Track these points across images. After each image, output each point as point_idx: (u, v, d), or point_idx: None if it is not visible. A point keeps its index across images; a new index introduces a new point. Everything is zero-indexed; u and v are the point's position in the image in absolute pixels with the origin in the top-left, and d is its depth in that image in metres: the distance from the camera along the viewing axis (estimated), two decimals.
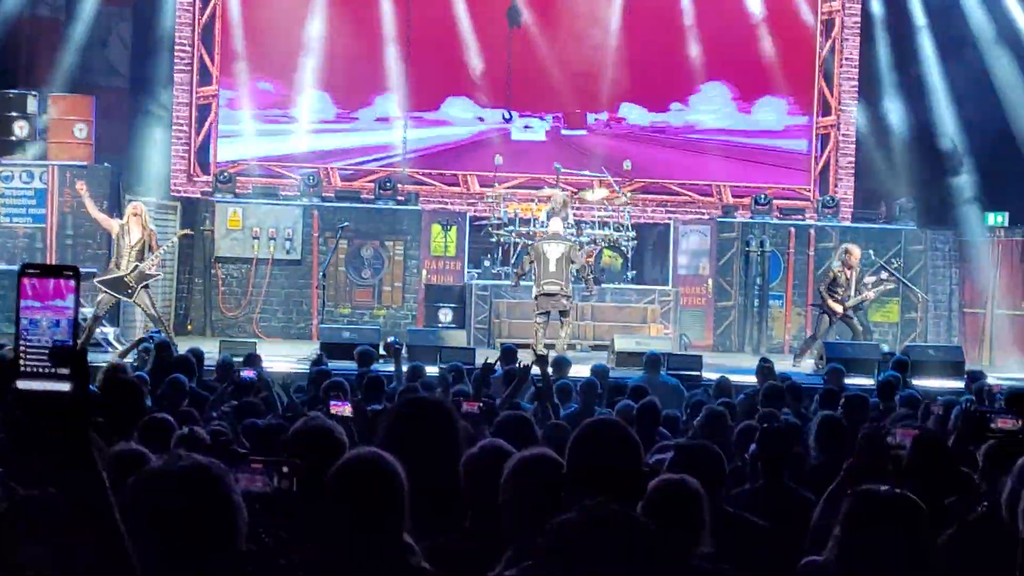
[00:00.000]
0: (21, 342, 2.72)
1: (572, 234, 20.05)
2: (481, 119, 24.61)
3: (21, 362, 2.70)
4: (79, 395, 2.69)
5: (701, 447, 6.25)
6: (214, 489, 3.14)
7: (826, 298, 19.51)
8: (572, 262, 18.61)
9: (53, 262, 18.43)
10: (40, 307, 2.74)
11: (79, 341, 2.73)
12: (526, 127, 24.63)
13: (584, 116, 24.77)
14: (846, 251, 19.83)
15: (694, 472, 5.18)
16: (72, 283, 2.78)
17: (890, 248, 22.36)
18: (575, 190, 23.01)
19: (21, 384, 2.69)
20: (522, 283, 19.51)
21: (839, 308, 19.40)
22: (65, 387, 2.69)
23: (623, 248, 21.96)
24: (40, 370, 2.71)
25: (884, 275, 20.66)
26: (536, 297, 18.53)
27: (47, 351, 2.72)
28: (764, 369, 13.67)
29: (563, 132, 24.65)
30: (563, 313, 18.53)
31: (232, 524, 3.14)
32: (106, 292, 17.60)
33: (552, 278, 18.20)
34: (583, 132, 24.74)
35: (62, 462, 2.74)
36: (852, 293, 19.45)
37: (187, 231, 19.57)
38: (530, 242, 19.81)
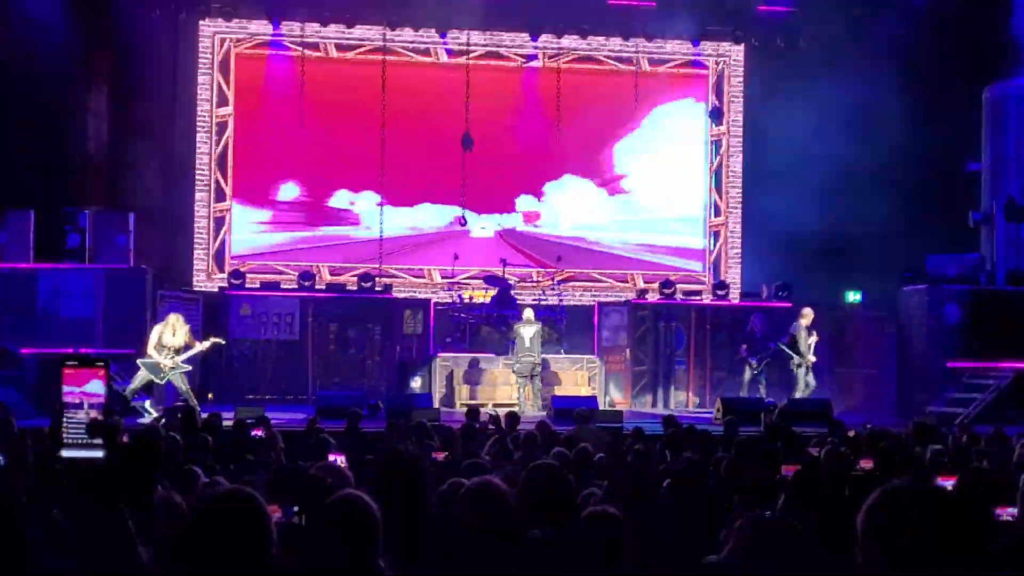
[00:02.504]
0: (64, 419, 2.78)
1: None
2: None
3: (64, 435, 2.76)
4: (110, 460, 2.73)
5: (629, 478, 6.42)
6: (255, 506, 3.17)
7: (806, 355, 19.85)
8: (542, 339, 20.34)
9: (101, 345, 18.50)
10: (78, 391, 2.80)
11: (116, 412, 2.80)
12: (481, 227, 24.93)
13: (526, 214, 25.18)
14: (802, 312, 20.24)
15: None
16: (103, 371, 2.83)
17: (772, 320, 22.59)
18: (519, 279, 23.31)
19: (65, 453, 2.75)
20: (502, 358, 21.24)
21: (812, 358, 19.93)
22: (99, 454, 2.74)
23: (558, 326, 22.15)
24: (79, 441, 2.76)
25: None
26: (516, 366, 20.10)
27: (85, 426, 2.77)
28: (668, 420, 13.83)
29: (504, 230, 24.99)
30: (534, 376, 20.06)
31: (267, 528, 3.16)
32: (144, 369, 17.69)
33: (527, 352, 19.85)
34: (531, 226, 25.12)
35: (95, 516, 2.76)
36: (811, 345, 19.92)
37: (219, 340, 19.47)
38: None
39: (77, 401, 2.82)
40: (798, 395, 19.56)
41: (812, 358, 19.93)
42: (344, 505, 3.94)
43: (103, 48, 21.48)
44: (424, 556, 4.59)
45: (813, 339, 19.95)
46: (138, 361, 17.92)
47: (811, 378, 19.94)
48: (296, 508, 5.31)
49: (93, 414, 2.80)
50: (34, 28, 19.31)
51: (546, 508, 4.51)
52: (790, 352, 19.84)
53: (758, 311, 21.68)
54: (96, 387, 2.83)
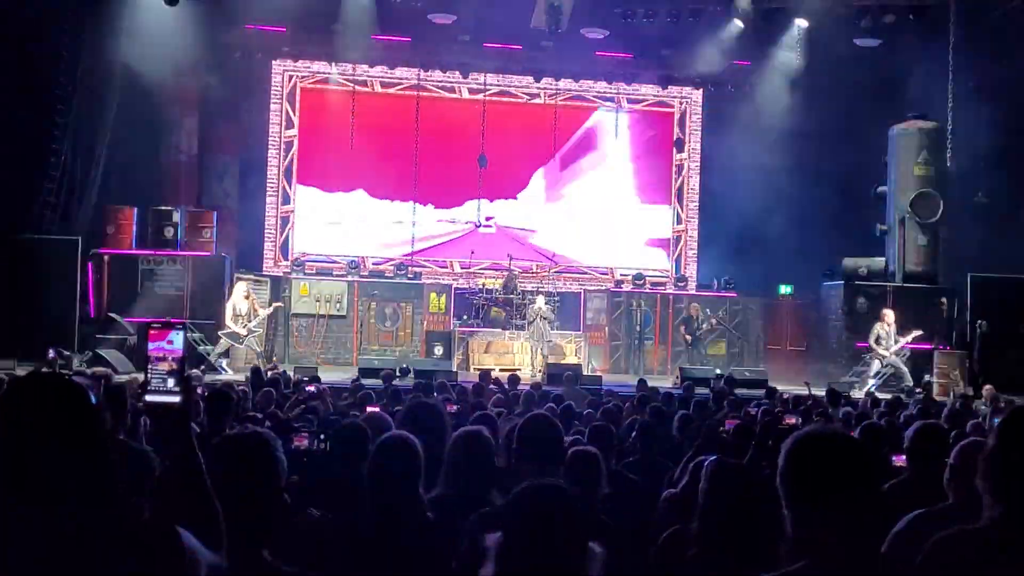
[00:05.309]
0: (149, 369, 2.79)
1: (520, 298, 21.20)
2: (453, 220, 24.78)
3: (149, 384, 2.78)
4: (185, 404, 2.75)
5: (605, 428, 6.40)
6: (268, 445, 3.22)
7: (874, 348, 18.51)
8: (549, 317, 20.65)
9: (188, 316, 18.52)
10: (161, 348, 2.81)
11: (195, 370, 2.82)
12: (488, 226, 24.77)
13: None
14: (882, 314, 18.68)
15: (596, 444, 5.37)
16: (181, 333, 2.84)
17: (720, 307, 22.58)
18: (522, 270, 23.30)
19: (148, 397, 2.77)
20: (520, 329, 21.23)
21: (885, 353, 18.33)
22: (176, 399, 2.76)
23: (553, 307, 22.14)
24: (161, 388, 2.77)
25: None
26: (533, 336, 20.45)
27: (165, 376, 2.79)
28: (640, 383, 13.80)
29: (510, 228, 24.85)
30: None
31: (276, 465, 3.21)
32: (225, 338, 17.77)
33: (548, 329, 20.59)
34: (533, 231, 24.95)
35: (172, 445, 2.78)
36: (892, 343, 18.39)
37: (279, 304, 19.50)
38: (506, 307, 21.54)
39: (160, 355, 2.84)
40: (906, 380, 18.03)
41: (884, 352, 18.33)
42: (397, 441, 3.98)
43: (195, 78, 21.45)
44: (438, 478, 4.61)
45: (891, 330, 18.41)
46: (220, 333, 17.99)
47: (899, 363, 18.39)
48: (322, 437, 5.33)
49: (172, 367, 2.82)
50: (139, 58, 19.15)
51: (539, 449, 4.55)
52: (729, 328, 19.64)
53: (695, 299, 22.18)
54: (174, 345, 2.85)
